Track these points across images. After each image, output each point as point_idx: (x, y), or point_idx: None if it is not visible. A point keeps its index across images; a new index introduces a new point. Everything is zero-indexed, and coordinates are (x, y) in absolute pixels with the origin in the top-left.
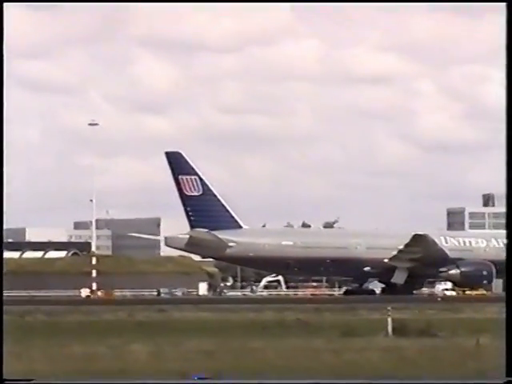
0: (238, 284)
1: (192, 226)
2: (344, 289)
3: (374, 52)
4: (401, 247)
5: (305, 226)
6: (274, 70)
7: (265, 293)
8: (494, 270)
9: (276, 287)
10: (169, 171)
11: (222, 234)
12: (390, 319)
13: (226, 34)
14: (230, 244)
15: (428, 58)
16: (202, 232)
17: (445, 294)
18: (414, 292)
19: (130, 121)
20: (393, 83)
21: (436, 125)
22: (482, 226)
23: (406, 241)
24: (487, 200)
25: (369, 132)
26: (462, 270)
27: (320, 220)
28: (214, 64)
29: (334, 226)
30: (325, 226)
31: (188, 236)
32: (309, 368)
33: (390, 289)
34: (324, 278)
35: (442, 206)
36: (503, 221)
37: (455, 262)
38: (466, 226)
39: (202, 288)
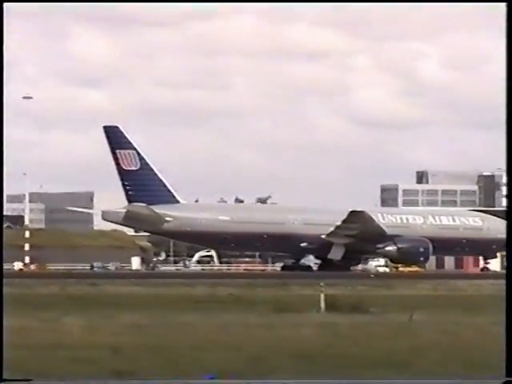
0: (171, 259)
1: (129, 201)
2: (281, 264)
3: (311, 27)
4: (338, 223)
5: (238, 201)
6: (212, 44)
7: (198, 267)
8: (430, 247)
9: (209, 262)
10: (105, 145)
11: (160, 209)
12: (322, 295)
13: (163, 8)
14: (167, 219)
15: (364, 33)
16: (139, 206)
17: (377, 271)
18: (351, 268)
19: (67, 95)
20: (329, 59)
21: (371, 101)
22: (416, 203)
23: (344, 217)
24: (421, 177)
25: (305, 107)
26: (399, 246)
27: (254, 195)
28: (152, 38)
29: (267, 201)
30: (258, 202)
31: (125, 210)
32: (241, 343)
33: (326, 265)
34: (257, 254)
35: (376, 182)
36: (436, 198)
37: (392, 239)
38: (400, 202)
39: (135, 262)
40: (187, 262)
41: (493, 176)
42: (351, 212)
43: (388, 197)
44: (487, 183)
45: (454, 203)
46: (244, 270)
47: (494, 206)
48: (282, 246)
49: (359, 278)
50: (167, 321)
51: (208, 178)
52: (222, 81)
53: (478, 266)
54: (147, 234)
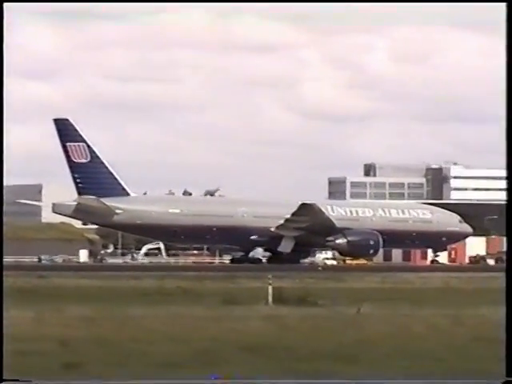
0: (119, 251)
1: (80, 193)
2: (230, 257)
3: (260, 21)
4: (288, 216)
5: (186, 193)
6: (160, 37)
7: (146, 260)
8: (380, 240)
9: (157, 255)
10: (55, 138)
11: (110, 201)
12: (270, 288)
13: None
14: (118, 211)
15: (313, 27)
16: (89, 199)
17: (325, 263)
18: (300, 261)
19: (15, 87)
20: (278, 52)
21: (320, 94)
22: (364, 196)
23: (293, 210)
24: (368, 170)
25: (253, 100)
26: (349, 239)
27: (202, 188)
28: (100, 31)
29: (216, 194)
30: (205, 194)
31: (76, 203)
32: (189, 335)
33: (276, 257)
34: (205, 247)
35: (324, 175)
36: (384, 190)
37: (342, 232)
38: (348, 195)
39: (83, 255)
40: (135, 255)
41: (440, 169)
42: (301, 205)
43: (336, 189)
44: (435, 176)
45: (401, 196)
46: (192, 262)
47: (441, 199)
48: (232, 238)
49: (306, 270)
50: (115, 313)
51: (156, 170)
52: (172, 74)
53: (425, 258)
54: (95, 226)
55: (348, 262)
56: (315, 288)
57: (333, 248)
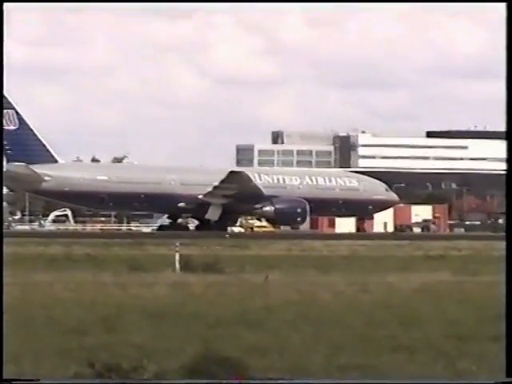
0: (27, 218)
1: (8, 161)
2: (158, 224)
3: None
4: (216, 184)
5: (94, 160)
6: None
7: (53, 227)
8: (307, 208)
9: (64, 221)
10: None
11: (39, 168)
12: (177, 255)
13: None
14: (46, 178)
15: None
16: (18, 166)
17: (232, 231)
18: (228, 229)
19: None
20: (190, 18)
21: (229, 59)
22: (271, 163)
23: (221, 177)
24: (276, 137)
25: (164, 65)
26: (277, 206)
27: (109, 154)
28: None
29: (123, 161)
30: (114, 161)
31: (5, 170)
32: (94, 301)
33: (204, 225)
34: (113, 213)
35: (232, 141)
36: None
37: (269, 199)
38: (255, 162)
39: None
40: (42, 222)
41: (348, 137)
42: (230, 172)
43: (244, 157)
44: (343, 144)
45: (309, 164)
46: (99, 229)
47: (349, 167)
48: (160, 205)
49: (214, 238)
50: (21, 280)
51: (62, 136)
52: (81, 37)
53: (333, 226)
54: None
55: (256, 230)
56: (223, 255)
57: (260, 215)
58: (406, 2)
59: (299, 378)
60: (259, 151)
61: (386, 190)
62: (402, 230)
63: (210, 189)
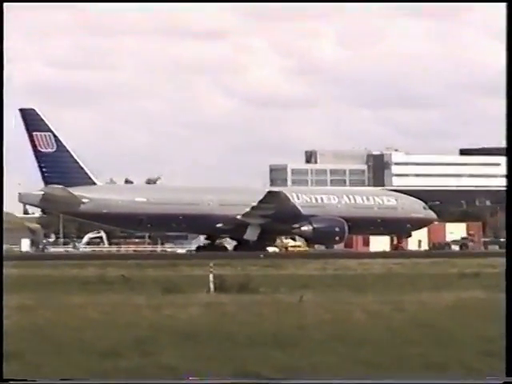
0: (61, 240)
1: (46, 183)
2: (193, 246)
3: (207, 7)
4: (254, 204)
5: (127, 182)
6: (102, 24)
7: (87, 249)
8: (346, 227)
9: (99, 243)
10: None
11: (76, 191)
12: (211, 275)
13: None
14: (84, 200)
15: (258, 14)
16: (56, 188)
17: (267, 251)
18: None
19: None
20: (223, 39)
21: (262, 80)
22: (305, 183)
23: (259, 197)
24: (310, 156)
25: (197, 87)
26: (315, 226)
27: (141, 176)
28: (39, 18)
29: (157, 182)
30: (147, 183)
31: (42, 193)
32: (129, 323)
33: (242, 245)
34: (147, 235)
35: (265, 161)
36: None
37: (308, 219)
38: (289, 182)
39: (25, 244)
40: (77, 244)
41: (382, 155)
42: (268, 192)
43: (277, 177)
44: (376, 162)
45: (343, 183)
46: (133, 251)
47: (383, 185)
48: (198, 226)
49: (248, 258)
50: (55, 302)
51: (95, 158)
52: (112, 61)
53: (367, 245)
54: (37, 215)
55: (290, 249)
56: (257, 275)
57: (299, 235)
58: (437, 19)
59: (299, 378)
60: (292, 170)
61: (424, 208)
62: (440, 247)
63: (248, 209)
